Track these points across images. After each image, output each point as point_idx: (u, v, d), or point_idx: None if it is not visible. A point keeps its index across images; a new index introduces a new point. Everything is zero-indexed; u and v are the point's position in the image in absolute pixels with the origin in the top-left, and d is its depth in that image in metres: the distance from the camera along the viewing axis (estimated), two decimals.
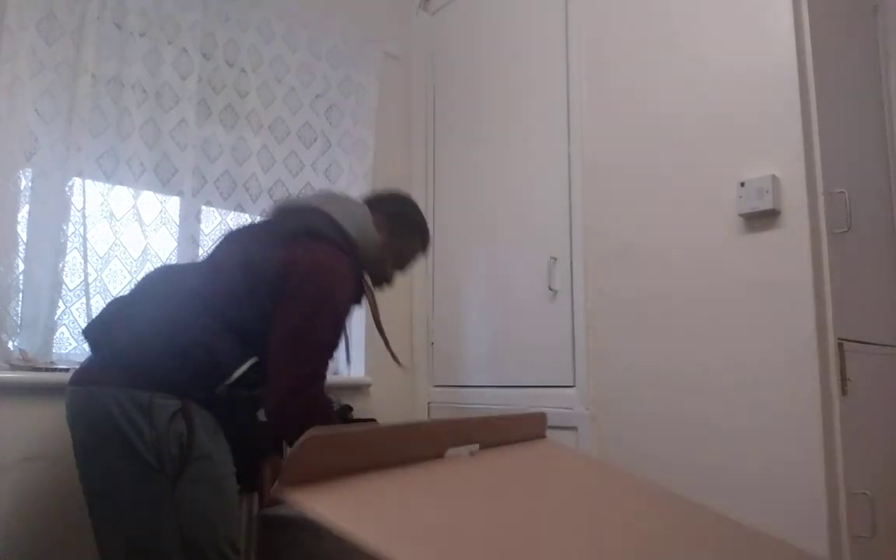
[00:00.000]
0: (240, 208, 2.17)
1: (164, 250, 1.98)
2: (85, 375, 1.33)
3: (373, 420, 2.32)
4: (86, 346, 1.40)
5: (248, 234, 1.51)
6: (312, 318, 1.35)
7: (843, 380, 1.60)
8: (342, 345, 1.54)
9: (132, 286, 1.48)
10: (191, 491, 1.26)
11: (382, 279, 1.66)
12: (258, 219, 1.70)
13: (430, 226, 2.63)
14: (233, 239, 1.51)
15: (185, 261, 1.97)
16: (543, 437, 0.90)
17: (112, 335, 1.33)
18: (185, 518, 1.25)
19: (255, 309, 1.36)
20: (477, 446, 0.67)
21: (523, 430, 0.83)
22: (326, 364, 1.40)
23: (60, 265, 1.72)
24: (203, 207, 2.09)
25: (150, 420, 1.24)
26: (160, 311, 1.34)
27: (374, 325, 2.50)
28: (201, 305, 1.35)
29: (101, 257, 1.84)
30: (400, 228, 1.64)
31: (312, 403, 1.34)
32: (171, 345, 1.30)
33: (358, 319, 2.47)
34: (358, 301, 1.55)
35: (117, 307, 1.40)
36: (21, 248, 1.68)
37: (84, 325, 1.55)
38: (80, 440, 1.31)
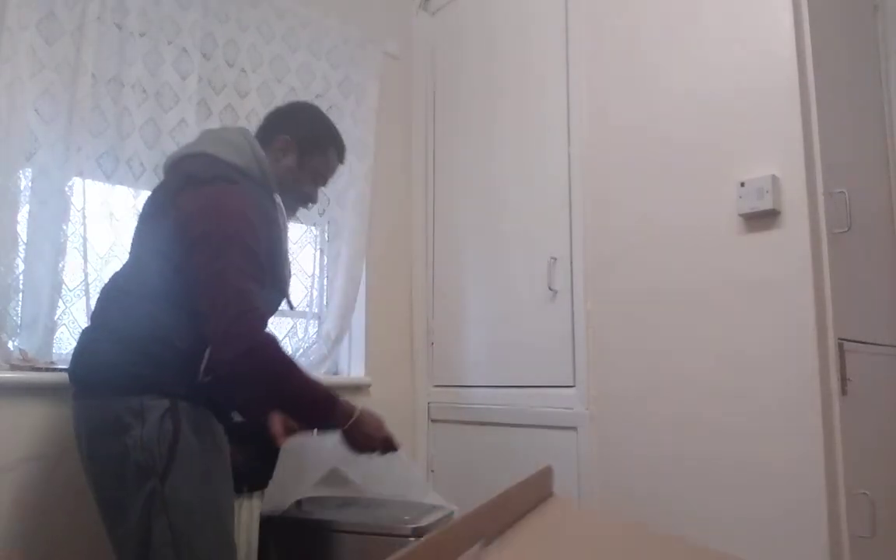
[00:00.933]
0: None
1: None
2: (82, 390, 1.37)
3: None
4: None
5: (148, 207, 1.46)
6: (216, 261, 1.29)
7: (843, 380, 1.60)
8: (282, 281, 1.49)
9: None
10: (179, 489, 1.27)
11: (305, 199, 1.61)
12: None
13: (429, 225, 2.66)
14: (139, 221, 1.47)
15: None
16: (551, 494, 0.89)
17: (89, 367, 1.36)
18: (175, 516, 1.26)
19: (183, 278, 1.32)
20: (482, 543, 0.66)
21: (530, 497, 0.82)
22: (255, 299, 1.31)
23: (60, 265, 1.72)
24: None
25: (142, 421, 1.27)
26: (114, 323, 1.35)
27: (374, 325, 2.54)
28: (135, 301, 1.34)
29: (101, 257, 1.84)
30: (311, 145, 1.57)
31: (256, 344, 1.27)
32: (137, 351, 1.31)
33: (358, 320, 2.48)
34: (273, 225, 1.45)
35: (83, 338, 1.41)
36: (21, 248, 1.68)
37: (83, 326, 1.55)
38: (84, 451, 1.34)
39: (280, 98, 2.27)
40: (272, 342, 1.31)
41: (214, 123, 2.11)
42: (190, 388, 1.32)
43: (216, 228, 1.32)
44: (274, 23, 2.27)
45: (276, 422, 1.66)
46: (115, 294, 1.40)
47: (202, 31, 2.06)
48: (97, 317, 1.42)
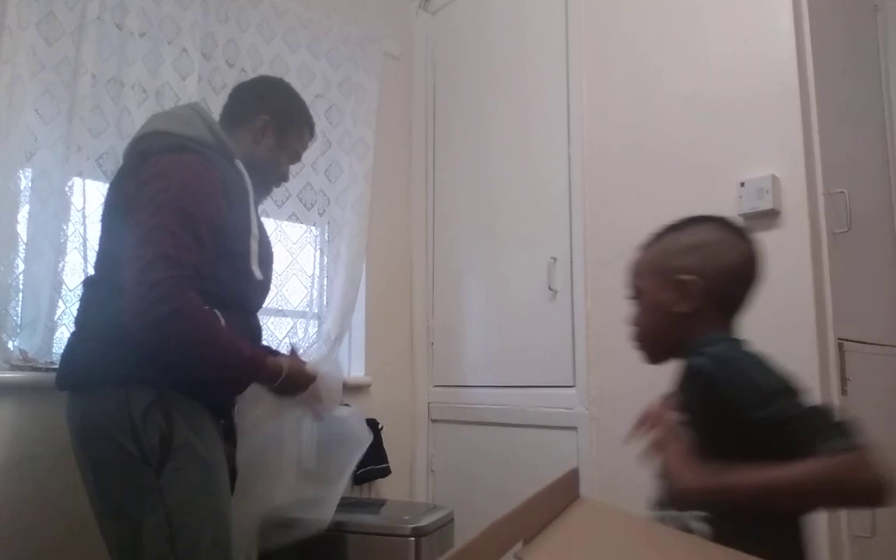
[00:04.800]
0: None
1: None
2: (72, 389, 1.35)
3: (373, 421, 2.32)
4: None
5: (108, 196, 1.43)
6: (150, 221, 1.25)
7: (843, 380, 1.60)
8: (245, 248, 1.41)
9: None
10: (176, 479, 1.25)
11: (280, 179, 1.63)
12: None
13: (429, 225, 2.66)
14: (103, 214, 1.44)
15: None
16: (578, 496, 0.89)
17: (73, 367, 1.35)
18: (173, 506, 1.24)
19: None
20: (520, 544, 0.67)
21: (559, 500, 0.82)
22: (184, 264, 1.24)
23: (60, 265, 1.72)
24: None
25: (128, 412, 1.25)
26: (92, 321, 1.34)
27: (374, 325, 2.53)
28: (108, 295, 1.29)
29: None
30: (288, 125, 1.58)
31: (177, 308, 1.21)
32: (116, 344, 1.26)
33: (358, 320, 2.48)
34: (234, 189, 1.41)
35: (68, 343, 1.40)
36: (21, 248, 1.68)
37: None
38: (76, 448, 1.33)
39: None
40: (196, 308, 1.25)
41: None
42: (180, 374, 1.29)
43: (157, 193, 1.28)
44: (274, 23, 2.27)
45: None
46: (90, 293, 1.40)
47: (202, 31, 2.06)
48: (77, 319, 1.40)
